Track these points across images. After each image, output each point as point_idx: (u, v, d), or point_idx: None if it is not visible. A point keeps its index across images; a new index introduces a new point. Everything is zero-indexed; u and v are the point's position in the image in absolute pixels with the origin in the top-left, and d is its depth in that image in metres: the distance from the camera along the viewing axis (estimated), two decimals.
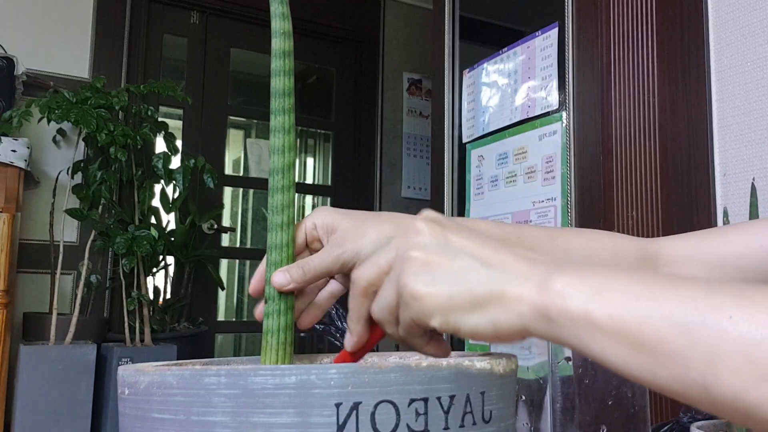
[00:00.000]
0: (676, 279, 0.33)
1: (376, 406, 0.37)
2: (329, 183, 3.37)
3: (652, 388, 0.32)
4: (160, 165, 2.37)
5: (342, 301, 0.59)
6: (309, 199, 3.52)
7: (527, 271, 0.37)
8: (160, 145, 2.50)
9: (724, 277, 0.53)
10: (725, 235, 0.54)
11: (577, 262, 0.40)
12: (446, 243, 0.39)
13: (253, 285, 0.51)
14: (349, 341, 0.45)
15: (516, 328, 0.36)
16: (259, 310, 0.50)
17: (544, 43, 1.60)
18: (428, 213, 0.43)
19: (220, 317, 3.14)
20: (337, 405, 0.36)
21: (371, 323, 0.44)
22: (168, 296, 2.70)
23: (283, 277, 0.47)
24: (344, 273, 0.50)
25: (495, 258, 0.38)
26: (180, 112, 2.97)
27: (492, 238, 0.40)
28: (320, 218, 0.51)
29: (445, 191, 1.89)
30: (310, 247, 0.51)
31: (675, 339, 0.30)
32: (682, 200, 1.24)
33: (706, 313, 0.29)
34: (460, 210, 1.85)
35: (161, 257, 2.53)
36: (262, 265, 0.50)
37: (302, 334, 3.17)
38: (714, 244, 0.54)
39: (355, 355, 0.46)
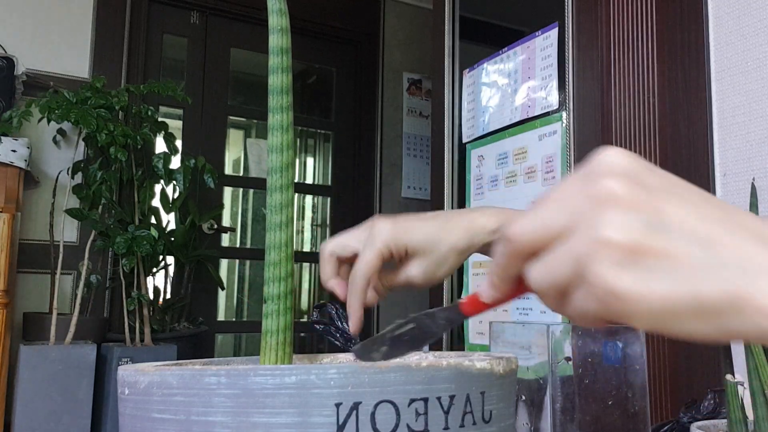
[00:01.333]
0: None
1: (376, 406, 0.37)
2: (329, 183, 3.37)
3: None
4: (160, 165, 2.37)
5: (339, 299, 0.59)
6: (309, 199, 3.52)
7: None
8: (160, 145, 2.50)
9: None
10: None
11: None
12: (659, 220, 0.29)
13: (354, 324, 0.55)
14: (489, 294, 0.37)
15: (754, 336, 0.28)
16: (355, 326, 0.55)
17: (544, 43, 1.60)
18: (615, 156, 0.31)
19: (220, 317, 3.14)
20: (337, 405, 0.36)
21: (518, 279, 0.36)
22: (168, 296, 2.70)
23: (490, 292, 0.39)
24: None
25: (730, 243, 0.28)
26: (180, 112, 2.97)
27: (720, 205, 0.30)
28: (393, 240, 0.54)
29: (445, 191, 1.89)
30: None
31: None
32: None
33: None
34: None
35: (161, 257, 2.53)
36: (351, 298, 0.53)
37: (302, 334, 3.17)
38: None
39: (489, 306, 0.40)
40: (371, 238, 0.55)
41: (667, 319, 0.29)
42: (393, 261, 0.57)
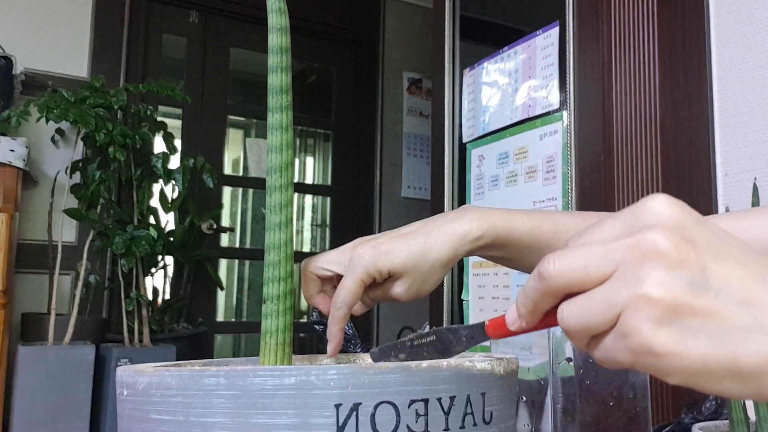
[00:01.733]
0: None
1: (376, 407, 0.36)
2: (329, 183, 3.37)
3: None
4: (159, 165, 2.37)
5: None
6: (309, 199, 3.52)
7: None
8: (159, 145, 2.50)
9: None
10: (763, 218, 0.53)
11: None
12: (703, 278, 0.29)
13: (332, 350, 0.55)
14: (515, 323, 0.37)
15: None
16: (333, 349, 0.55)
17: (545, 42, 1.60)
18: (665, 206, 0.31)
19: (219, 318, 3.14)
20: (337, 406, 0.36)
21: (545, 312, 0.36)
22: (167, 296, 2.70)
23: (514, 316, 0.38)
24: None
25: None
26: (179, 111, 2.97)
27: (766, 263, 0.30)
28: (374, 267, 0.53)
29: (445, 191, 1.89)
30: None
31: None
32: (683, 200, 1.23)
33: None
34: None
35: (160, 257, 2.53)
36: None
37: (302, 335, 3.17)
38: (748, 226, 0.53)
39: (515, 333, 0.40)
40: (352, 265, 0.53)
41: (702, 378, 0.29)
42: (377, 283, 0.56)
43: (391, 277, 0.54)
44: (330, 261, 0.56)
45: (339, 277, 0.56)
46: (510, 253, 0.57)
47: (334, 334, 0.55)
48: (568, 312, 0.32)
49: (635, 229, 0.30)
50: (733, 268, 0.29)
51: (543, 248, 0.55)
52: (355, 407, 0.36)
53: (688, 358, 0.28)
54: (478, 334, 0.41)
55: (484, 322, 0.40)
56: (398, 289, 0.54)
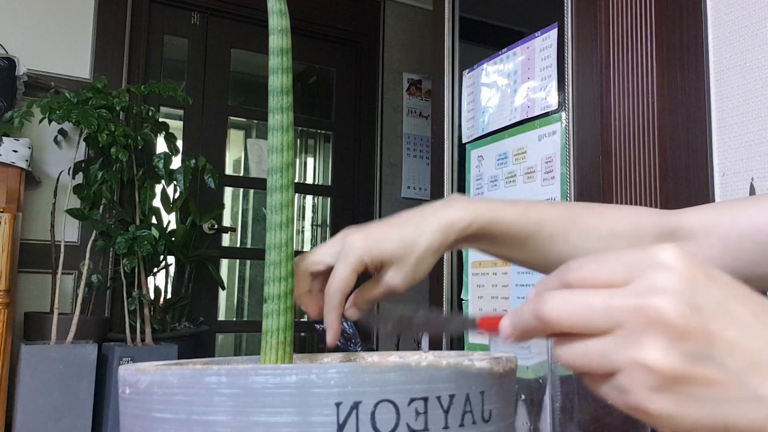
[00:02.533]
0: None
1: (376, 405, 0.37)
2: (329, 183, 3.37)
3: None
4: (161, 165, 2.37)
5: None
6: (309, 199, 3.53)
7: None
8: (161, 146, 2.51)
9: (739, 251, 0.52)
10: (746, 207, 0.54)
11: None
12: (707, 348, 0.28)
13: (331, 338, 0.54)
14: (510, 338, 0.36)
15: None
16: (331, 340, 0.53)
17: (544, 43, 1.60)
18: (672, 264, 0.30)
19: (221, 317, 3.15)
20: (337, 404, 0.36)
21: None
22: (169, 296, 2.70)
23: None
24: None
25: None
26: (181, 112, 2.97)
27: None
28: (367, 254, 0.52)
29: (444, 191, 1.89)
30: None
31: None
32: (680, 200, 1.24)
33: None
34: None
35: (162, 257, 2.53)
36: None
37: (302, 334, 3.17)
38: (732, 216, 0.54)
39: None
40: (344, 253, 0.53)
41: None
42: (369, 273, 0.55)
43: (383, 267, 0.54)
44: (321, 254, 0.55)
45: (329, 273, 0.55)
46: (497, 241, 0.57)
47: (330, 322, 0.54)
48: (566, 353, 0.32)
49: (640, 288, 0.30)
50: (740, 334, 0.29)
51: (528, 238, 0.56)
52: (356, 405, 0.36)
53: (680, 420, 0.29)
54: (469, 325, 0.42)
55: (476, 319, 0.40)
56: (393, 278, 0.54)
